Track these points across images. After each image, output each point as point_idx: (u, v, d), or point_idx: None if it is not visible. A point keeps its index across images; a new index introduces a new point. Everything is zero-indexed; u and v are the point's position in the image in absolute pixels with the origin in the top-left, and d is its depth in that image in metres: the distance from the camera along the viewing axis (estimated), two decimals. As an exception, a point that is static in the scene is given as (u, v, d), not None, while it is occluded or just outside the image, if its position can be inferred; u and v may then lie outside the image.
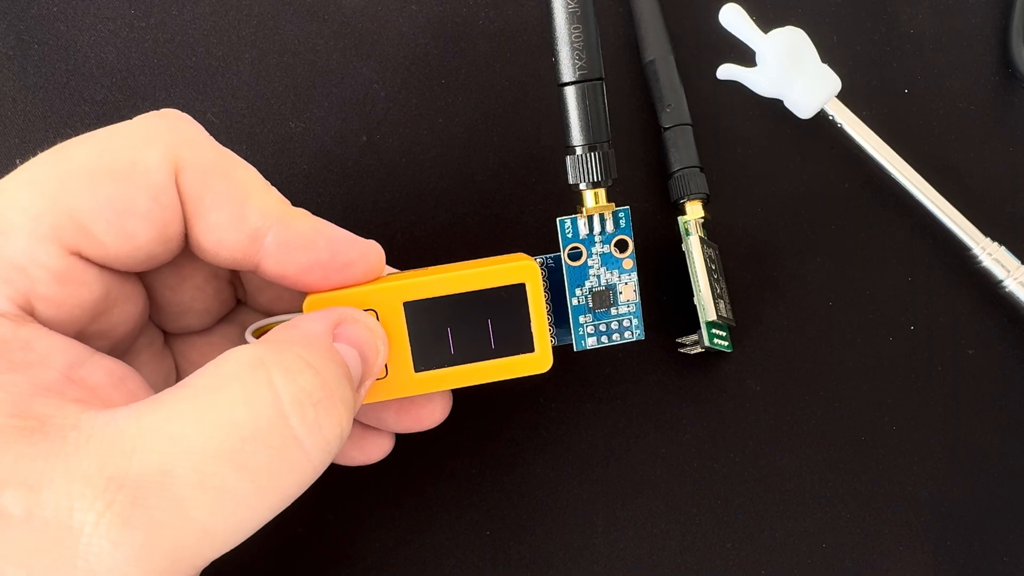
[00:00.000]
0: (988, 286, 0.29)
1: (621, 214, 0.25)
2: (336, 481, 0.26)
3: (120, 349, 0.23)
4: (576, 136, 0.24)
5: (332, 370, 0.19)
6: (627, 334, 0.25)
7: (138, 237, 0.20)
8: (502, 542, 0.28)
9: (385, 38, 0.31)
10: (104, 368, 0.20)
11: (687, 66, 0.31)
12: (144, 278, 0.23)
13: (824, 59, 0.30)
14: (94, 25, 0.30)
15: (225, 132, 0.29)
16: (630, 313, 0.25)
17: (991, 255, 0.29)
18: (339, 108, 0.30)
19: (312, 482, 0.19)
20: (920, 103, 0.32)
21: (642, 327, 0.25)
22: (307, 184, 0.29)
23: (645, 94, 0.31)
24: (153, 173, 0.20)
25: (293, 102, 0.30)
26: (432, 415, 0.25)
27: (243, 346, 0.19)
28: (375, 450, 0.26)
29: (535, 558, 0.28)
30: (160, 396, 0.18)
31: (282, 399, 0.18)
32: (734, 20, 0.29)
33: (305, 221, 0.22)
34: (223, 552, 0.18)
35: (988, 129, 0.32)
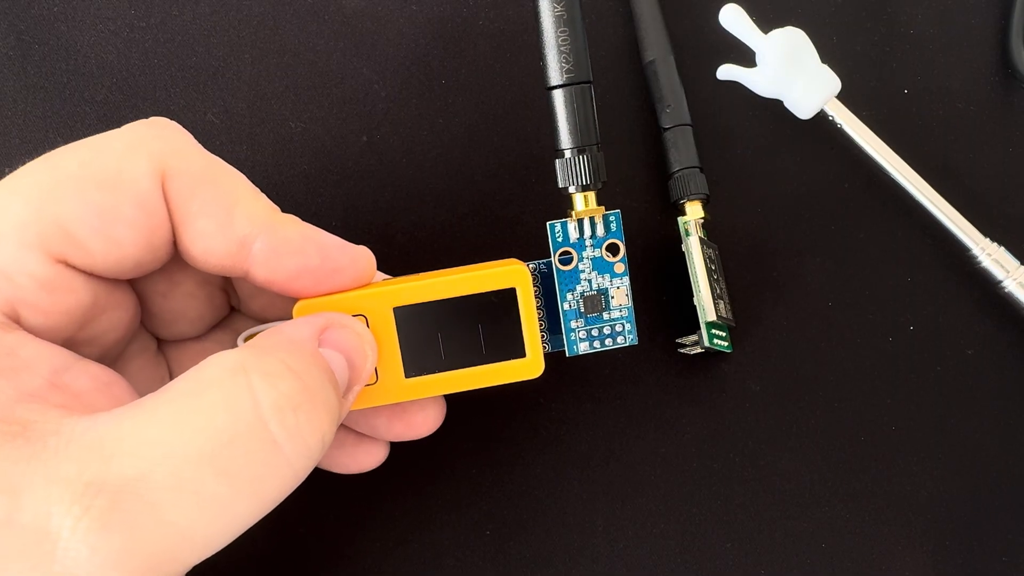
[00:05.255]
0: (988, 286, 0.29)
1: (612, 217, 0.24)
2: (336, 481, 0.26)
3: (111, 356, 0.23)
4: (565, 139, 0.23)
5: (315, 375, 0.19)
6: (620, 339, 0.25)
7: (125, 245, 0.20)
8: (502, 542, 0.28)
9: (385, 38, 0.31)
10: (89, 374, 0.20)
11: (687, 66, 0.31)
12: (135, 285, 0.23)
13: (824, 59, 0.30)
14: (94, 25, 0.30)
15: (225, 132, 0.29)
16: (623, 318, 0.25)
17: (991, 255, 0.29)
18: (339, 108, 0.30)
19: (295, 487, 0.19)
20: (920, 103, 0.32)
21: (635, 332, 0.25)
22: (307, 184, 0.29)
23: (645, 94, 0.31)
24: (140, 181, 0.20)
25: (293, 102, 0.30)
26: (425, 423, 0.25)
27: (225, 351, 0.19)
28: (367, 458, 0.26)
29: (535, 558, 0.28)
30: (142, 401, 0.18)
31: (261, 404, 0.18)
32: (734, 20, 0.29)
33: (294, 227, 0.22)
34: (205, 556, 0.18)
35: (988, 129, 0.32)
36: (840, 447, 0.29)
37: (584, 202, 0.24)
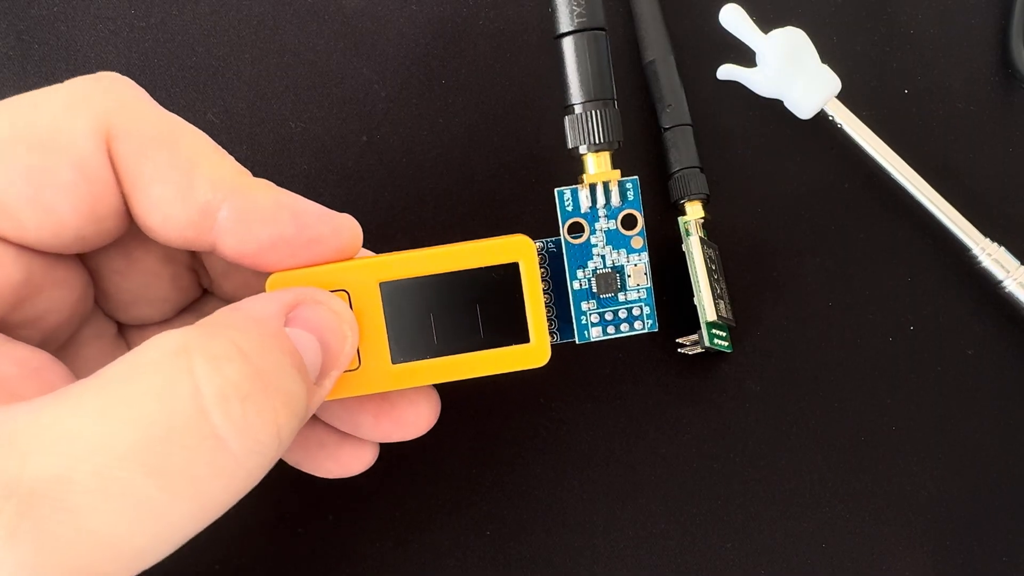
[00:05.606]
0: (988, 286, 0.29)
1: (629, 185, 0.22)
2: (336, 481, 0.26)
3: (56, 340, 0.20)
4: (575, 92, 0.21)
5: (272, 359, 0.17)
6: (637, 324, 0.22)
7: (62, 214, 0.18)
8: (502, 542, 0.28)
9: (385, 38, 0.31)
10: (15, 358, 0.18)
11: (687, 66, 0.31)
12: (88, 262, 0.21)
13: (824, 59, 0.30)
14: (94, 25, 0.30)
15: (225, 132, 0.29)
16: (641, 300, 0.22)
17: (991, 255, 0.29)
18: (339, 108, 0.30)
19: (248, 488, 0.17)
20: (920, 103, 0.32)
21: (655, 316, 0.22)
22: (307, 184, 0.29)
23: (645, 94, 0.31)
24: (78, 141, 0.18)
25: (293, 102, 0.30)
26: (416, 420, 0.23)
27: (171, 331, 0.17)
28: (353, 461, 0.23)
29: (535, 558, 0.28)
30: (68, 388, 0.16)
31: (203, 392, 0.16)
32: (734, 20, 0.29)
33: (265, 192, 0.20)
34: (139, 570, 0.16)
35: (988, 129, 0.32)
36: (840, 447, 0.29)
37: (597, 164, 0.21)
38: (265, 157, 0.29)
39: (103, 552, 0.15)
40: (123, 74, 0.29)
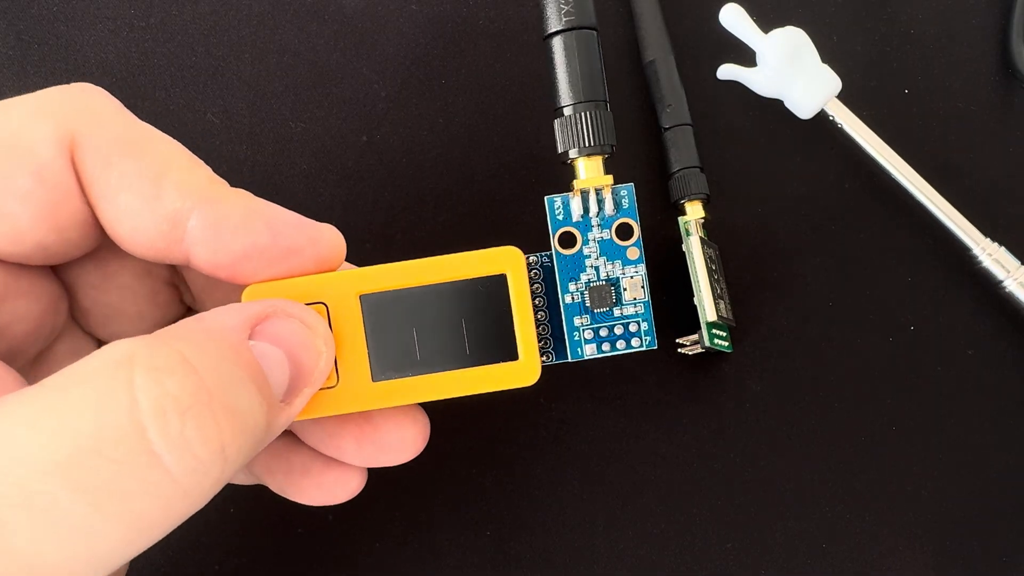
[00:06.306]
0: (988, 286, 0.29)
1: (623, 192, 0.21)
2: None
3: (24, 353, 0.20)
4: (565, 94, 0.20)
5: (224, 372, 0.16)
6: (634, 341, 0.21)
7: (19, 221, 0.18)
8: (502, 542, 0.28)
9: (385, 38, 0.31)
10: None
11: (687, 66, 0.31)
12: (63, 275, 0.21)
13: (824, 59, 0.30)
14: (94, 25, 0.30)
15: (225, 132, 0.29)
16: (638, 315, 0.21)
17: (991, 255, 0.29)
18: (339, 108, 0.30)
19: (192, 510, 0.16)
20: (920, 103, 0.32)
21: (653, 333, 0.21)
22: (307, 184, 0.29)
23: (645, 94, 0.31)
24: (37, 148, 0.17)
25: (293, 102, 0.30)
26: (401, 444, 0.21)
27: (120, 340, 0.16)
28: (338, 487, 0.22)
29: (535, 558, 0.28)
30: (6, 397, 0.15)
31: (140, 404, 0.15)
32: (734, 20, 0.29)
33: (238, 200, 0.19)
34: None
35: (988, 129, 0.32)
36: (840, 447, 0.29)
37: (588, 169, 0.20)
38: (265, 157, 0.29)
39: (25, 571, 0.14)
40: (123, 74, 0.30)
